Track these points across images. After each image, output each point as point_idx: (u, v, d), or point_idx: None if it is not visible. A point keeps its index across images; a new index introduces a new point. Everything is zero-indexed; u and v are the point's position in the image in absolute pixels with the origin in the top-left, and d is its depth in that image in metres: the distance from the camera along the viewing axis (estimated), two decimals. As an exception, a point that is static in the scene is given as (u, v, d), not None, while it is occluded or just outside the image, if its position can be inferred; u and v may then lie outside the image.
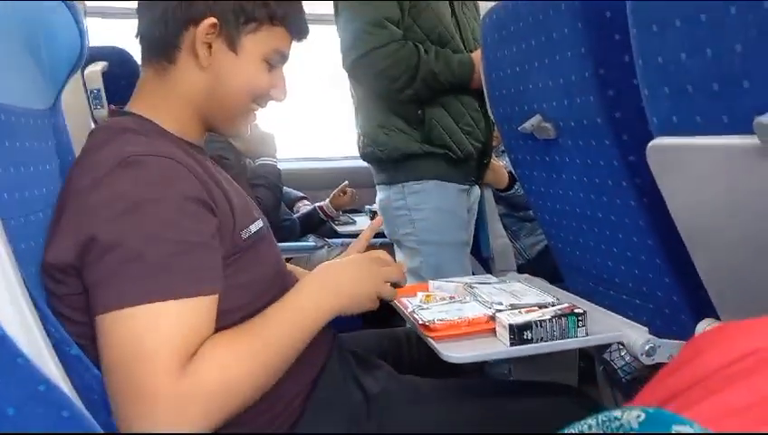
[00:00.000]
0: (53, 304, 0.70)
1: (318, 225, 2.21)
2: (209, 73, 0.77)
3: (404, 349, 1.06)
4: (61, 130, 0.93)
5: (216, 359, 0.64)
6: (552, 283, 1.19)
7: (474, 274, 1.80)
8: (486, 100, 1.24)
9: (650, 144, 0.66)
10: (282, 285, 0.82)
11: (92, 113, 1.46)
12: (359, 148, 1.57)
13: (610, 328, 0.86)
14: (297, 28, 0.82)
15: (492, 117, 1.27)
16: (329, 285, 0.78)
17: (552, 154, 1.01)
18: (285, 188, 2.29)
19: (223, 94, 0.78)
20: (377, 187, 1.60)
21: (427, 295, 1.01)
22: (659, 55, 0.63)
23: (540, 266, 1.89)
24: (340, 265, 0.82)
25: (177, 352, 0.61)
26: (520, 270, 1.76)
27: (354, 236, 2.15)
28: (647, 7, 0.64)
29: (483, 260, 1.86)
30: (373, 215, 2.18)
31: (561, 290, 1.08)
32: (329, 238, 2.10)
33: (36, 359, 0.55)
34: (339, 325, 0.88)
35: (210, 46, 0.76)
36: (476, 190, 1.65)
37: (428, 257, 1.48)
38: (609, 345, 1.02)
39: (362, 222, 2.24)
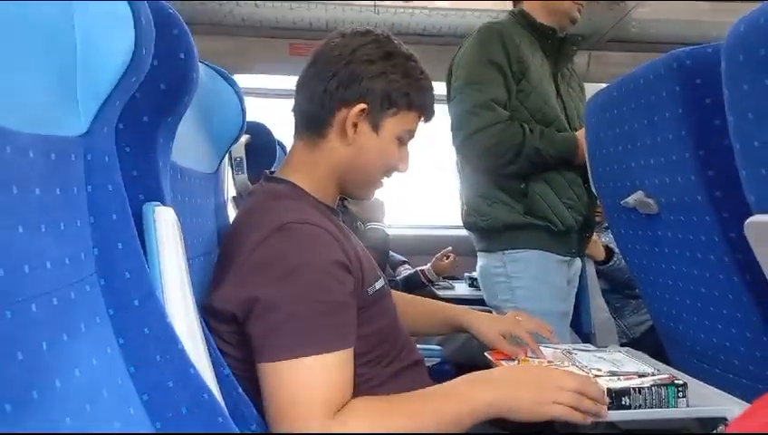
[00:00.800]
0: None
1: (418, 288, 2.31)
2: (353, 148, 0.90)
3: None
4: (219, 192, 1.12)
5: (366, 411, 0.74)
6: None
7: (573, 347, 1.79)
8: (590, 176, 1.30)
9: (748, 221, 0.70)
10: (397, 336, 0.91)
11: (234, 178, 1.70)
12: (462, 217, 1.66)
13: (713, 402, 0.86)
14: (429, 113, 0.95)
15: (594, 192, 1.32)
16: (489, 380, 0.79)
17: (654, 229, 1.05)
18: (390, 252, 2.43)
19: (362, 166, 0.92)
20: (478, 254, 1.67)
21: (524, 359, 1.04)
22: (755, 140, 0.68)
23: (644, 347, 1.84)
24: (512, 367, 0.86)
25: (327, 400, 0.73)
26: (623, 349, 1.73)
27: (452, 300, 2.22)
28: (742, 98, 0.70)
29: (584, 335, 1.84)
30: (472, 282, 2.24)
31: (663, 364, 1.07)
32: (428, 302, 2.18)
33: (201, 372, 0.69)
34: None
35: (356, 125, 0.89)
36: (578, 263, 1.67)
37: None
38: (714, 426, 0.99)
39: (461, 288, 2.30)
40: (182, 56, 0.76)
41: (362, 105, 0.88)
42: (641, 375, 0.88)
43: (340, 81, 0.88)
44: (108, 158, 0.63)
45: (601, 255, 1.93)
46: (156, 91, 0.74)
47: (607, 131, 1.15)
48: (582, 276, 1.75)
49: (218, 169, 1.10)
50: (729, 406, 0.84)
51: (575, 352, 1.07)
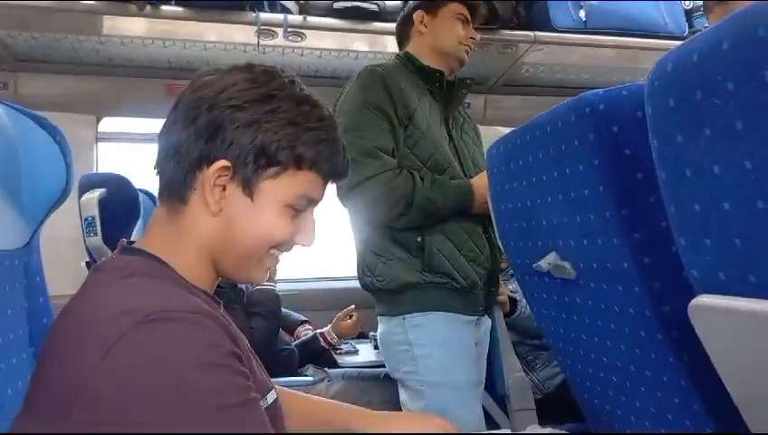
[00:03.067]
0: None
1: (318, 353, 2.07)
2: (221, 218, 0.68)
3: None
4: (34, 269, 0.85)
5: None
6: (573, 420, 1.05)
7: (488, 414, 1.64)
8: (495, 231, 1.17)
9: (692, 303, 0.57)
10: None
11: (85, 241, 1.41)
12: (358, 276, 1.49)
13: None
14: (332, 171, 0.72)
15: (500, 247, 1.19)
16: None
17: (572, 295, 0.92)
18: (286, 311, 2.18)
19: (235, 242, 0.69)
20: (378, 318, 1.49)
21: None
22: (696, 203, 0.56)
23: (559, 401, 1.73)
24: None
25: None
26: (538, 406, 1.60)
27: (357, 366, 2.00)
28: (676, 152, 0.57)
29: (498, 398, 1.70)
30: (377, 343, 2.05)
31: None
32: (330, 369, 1.95)
33: None
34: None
35: (224, 189, 0.68)
36: (486, 321, 1.54)
37: (433, 400, 1.34)
38: None
39: (366, 351, 2.10)
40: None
41: (224, 162, 0.66)
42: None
43: (199, 131, 0.66)
44: None
45: (505, 308, 1.82)
46: None
47: (512, 184, 1.02)
48: (492, 333, 1.61)
49: (31, 241, 0.84)
50: None
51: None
